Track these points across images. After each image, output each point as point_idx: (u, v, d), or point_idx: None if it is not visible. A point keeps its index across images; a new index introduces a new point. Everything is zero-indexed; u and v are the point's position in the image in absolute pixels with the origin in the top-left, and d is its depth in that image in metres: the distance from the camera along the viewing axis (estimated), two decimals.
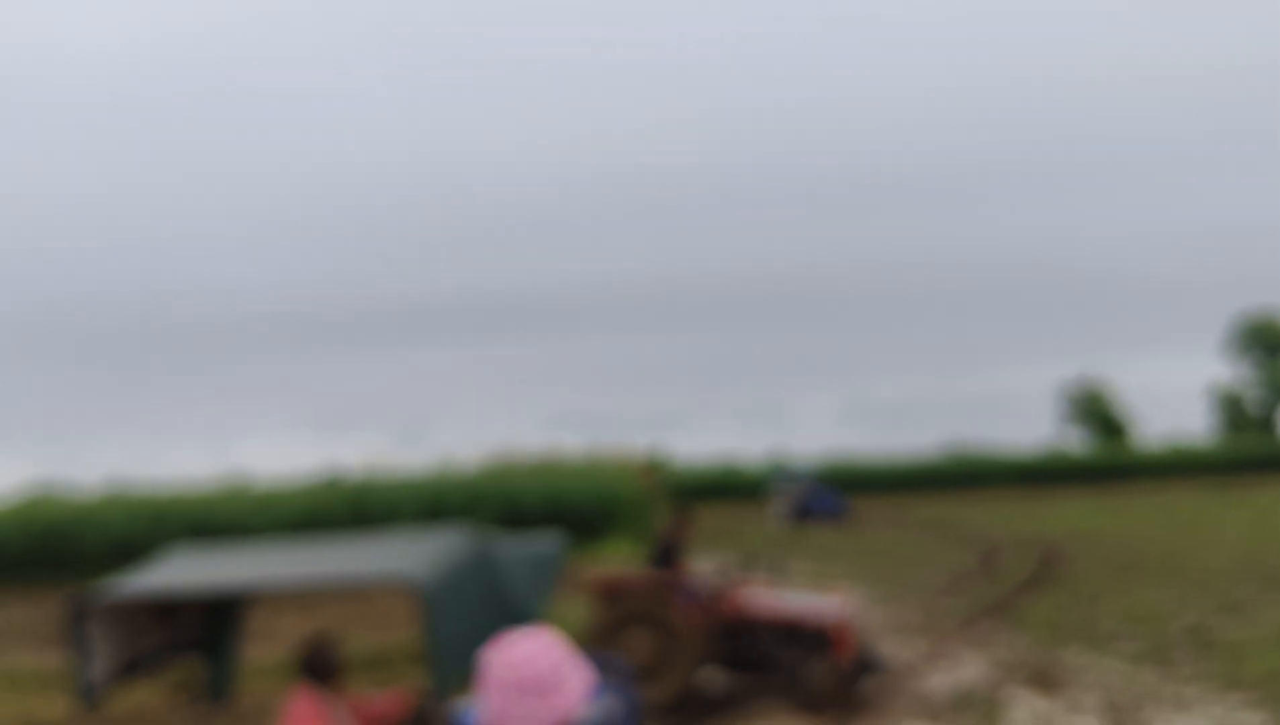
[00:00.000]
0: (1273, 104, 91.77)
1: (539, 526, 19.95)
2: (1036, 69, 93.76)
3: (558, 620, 7.73)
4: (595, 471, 26.09)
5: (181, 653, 5.67)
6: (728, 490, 50.40)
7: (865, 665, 9.13)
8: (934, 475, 55.10)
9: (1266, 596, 13.53)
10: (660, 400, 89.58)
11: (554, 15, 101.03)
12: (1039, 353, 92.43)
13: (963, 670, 10.15)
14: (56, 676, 10.82)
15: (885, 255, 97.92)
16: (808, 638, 8.96)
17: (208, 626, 5.80)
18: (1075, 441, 63.38)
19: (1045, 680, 9.51)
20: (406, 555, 4.93)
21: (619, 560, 19.48)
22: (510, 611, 5.03)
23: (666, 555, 9.47)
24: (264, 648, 11.10)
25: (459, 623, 4.61)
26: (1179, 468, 54.77)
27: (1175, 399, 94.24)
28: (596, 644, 8.49)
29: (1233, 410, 64.83)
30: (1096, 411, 64.95)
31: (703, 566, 9.91)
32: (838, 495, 36.31)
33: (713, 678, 9.49)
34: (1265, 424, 63.32)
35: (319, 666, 4.69)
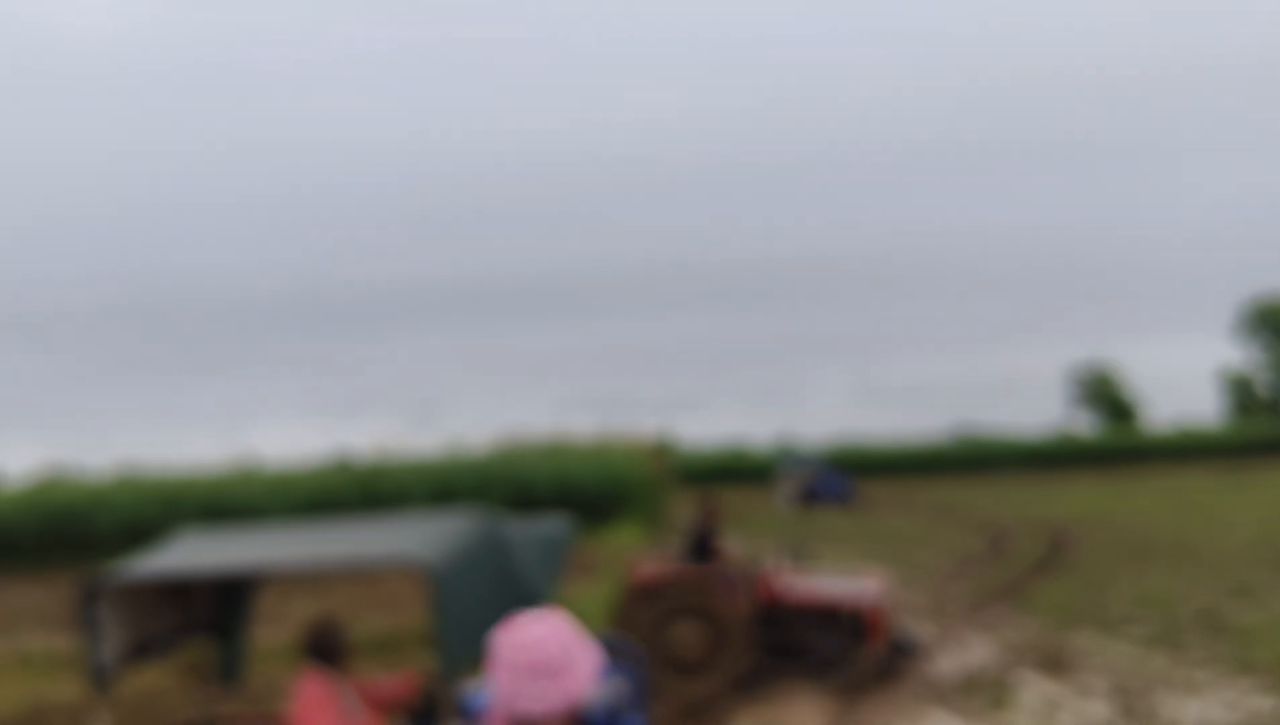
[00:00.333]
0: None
1: (548, 509, 19.95)
2: (1053, 55, 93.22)
3: (567, 603, 7.72)
4: (604, 454, 26.15)
5: (192, 635, 5.68)
6: (735, 473, 50.51)
7: (900, 647, 9.18)
8: (943, 458, 55.16)
9: (1277, 580, 13.48)
10: (670, 384, 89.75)
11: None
12: (1048, 336, 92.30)
13: (972, 653, 10.15)
14: (67, 658, 10.87)
15: (895, 239, 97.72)
16: (844, 622, 8.96)
17: (219, 609, 5.81)
18: (1084, 425, 63.39)
19: (1054, 663, 9.50)
20: (416, 537, 4.92)
21: (629, 544, 19.50)
22: (520, 594, 5.02)
23: (701, 546, 9.43)
24: (274, 630, 11.15)
25: (468, 605, 4.60)
26: (1188, 451, 54.71)
27: (1184, 382, 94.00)
28: (642, 641, 8.33)
29: (1242, 393, 64.66)
30: (1106, 395, 64.87)
31: (735, 552, 9.87)
32: (844, 478, 36.31)
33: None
34: (1274, 407, 63.11)
35: (326, 649, 4.70)
